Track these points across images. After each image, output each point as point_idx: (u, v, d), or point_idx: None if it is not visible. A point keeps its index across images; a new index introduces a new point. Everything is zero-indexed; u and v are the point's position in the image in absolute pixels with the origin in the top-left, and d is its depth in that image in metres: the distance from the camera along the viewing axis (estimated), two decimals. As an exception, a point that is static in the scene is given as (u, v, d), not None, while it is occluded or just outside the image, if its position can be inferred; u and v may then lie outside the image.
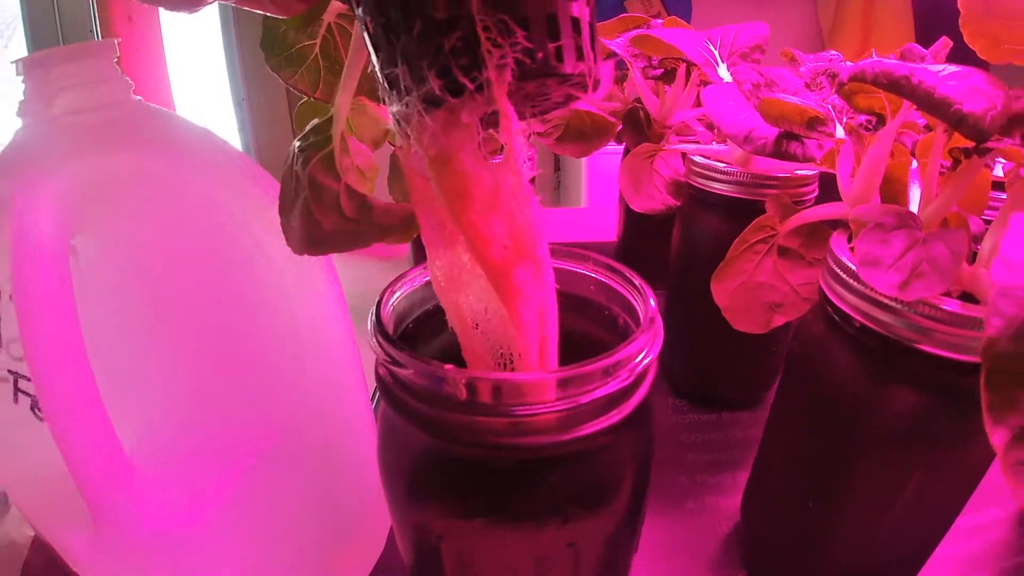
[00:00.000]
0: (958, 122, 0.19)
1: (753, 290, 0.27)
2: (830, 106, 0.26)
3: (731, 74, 0.32)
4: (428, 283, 0.21)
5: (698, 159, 0.32)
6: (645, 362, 0.18)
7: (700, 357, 0.37)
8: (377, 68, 0.15)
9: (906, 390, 0.22)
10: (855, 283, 0.22)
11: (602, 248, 0.68)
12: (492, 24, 0.13)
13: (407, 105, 0.14)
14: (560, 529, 0.18)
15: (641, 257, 0.54)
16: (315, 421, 0.25)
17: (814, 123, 0.25)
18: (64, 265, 0.21)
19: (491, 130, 0.16)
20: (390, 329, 0.19)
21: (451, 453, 0.18)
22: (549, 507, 0.18)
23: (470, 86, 0.13)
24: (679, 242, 0.35)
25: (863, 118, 0.23)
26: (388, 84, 0.15)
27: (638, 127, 0.38)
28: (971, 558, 0.32)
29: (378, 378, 0.19)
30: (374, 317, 0.19)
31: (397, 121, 0.15)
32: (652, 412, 0.21)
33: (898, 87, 0.19)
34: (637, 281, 0.20)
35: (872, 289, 0.21)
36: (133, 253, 0.23)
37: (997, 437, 0.15)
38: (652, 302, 0.19)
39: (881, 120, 0.23)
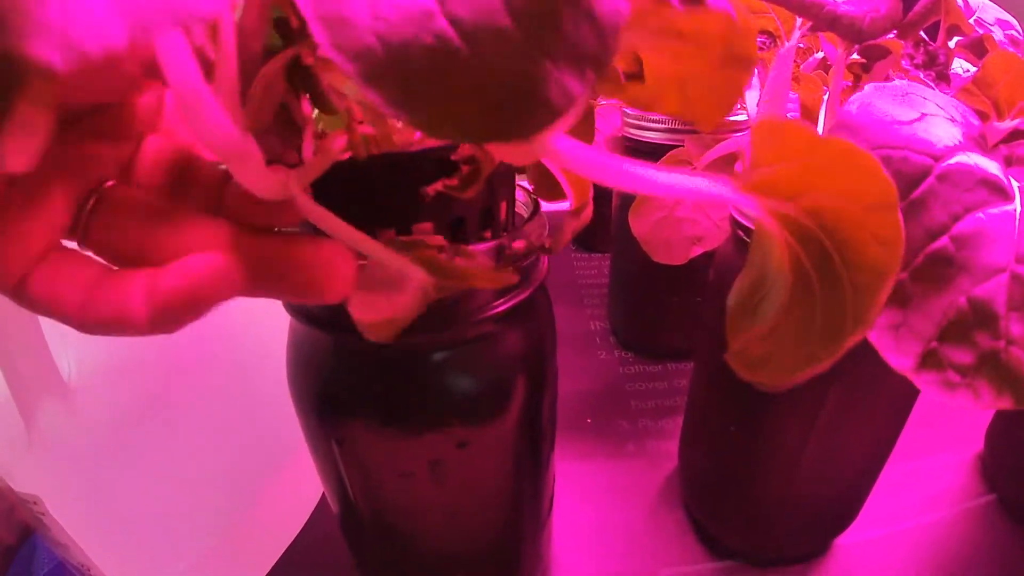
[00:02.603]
0: (832, 23, 0.20)
1: (673, 224, 0.27)
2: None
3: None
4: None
5: (630, 110, 0.33)
6: (526, 252, 0.18)
7: (642, 308, 0.37)
8: None
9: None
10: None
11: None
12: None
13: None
14: (448, 427, 0.19)
15: (598, 222, 0.55)
16: (246, 350, 0.26)
17: (719, 54, 0.25)
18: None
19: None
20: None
21: (343, 351, 0.19)
22: (432, 400, 0.19)
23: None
24: (617, 195, 0.35)
25: (758, 40, 0.24)
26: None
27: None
28: (930, 500, 0.31)
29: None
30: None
31: None
32: (546, 316, 0.21)
33: (766, -8, 0.20)
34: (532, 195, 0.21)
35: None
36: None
37: (901, 363, 0.13)
38: (537, 204, 0.20)
39: (775, 40, 0.23)
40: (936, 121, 0.14)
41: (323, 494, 0.31)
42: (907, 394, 0.24)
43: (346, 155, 0.14)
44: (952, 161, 0.13)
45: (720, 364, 0.26)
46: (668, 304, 0.35)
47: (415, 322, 0.17)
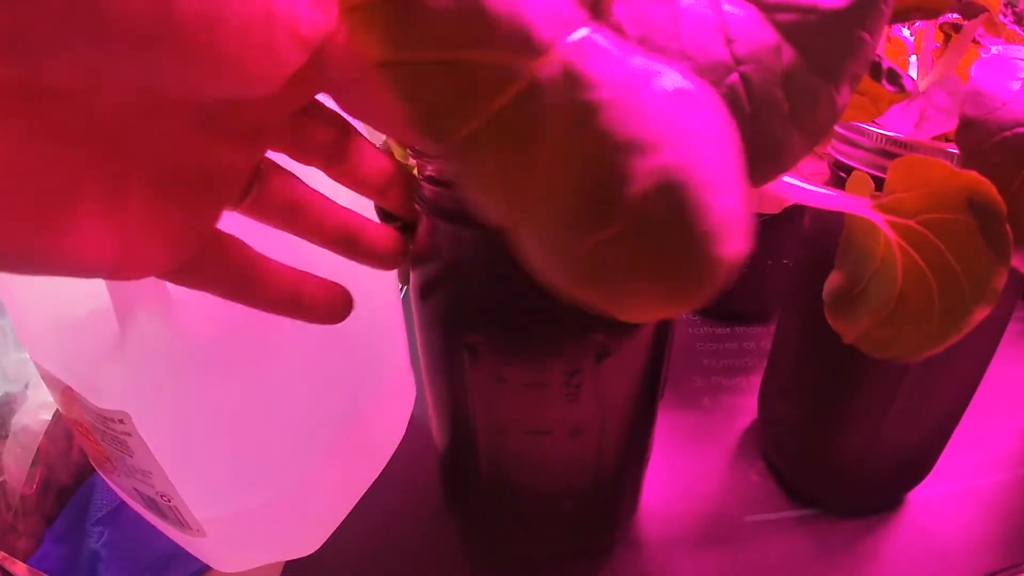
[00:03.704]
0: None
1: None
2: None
3: None
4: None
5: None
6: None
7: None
8: None
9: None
10: (864, 139, 0.23)
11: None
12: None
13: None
14: (592, 333, 0.19)
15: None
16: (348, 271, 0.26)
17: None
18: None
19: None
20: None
21: (488, 254, 0.19)
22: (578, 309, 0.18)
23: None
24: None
25: None
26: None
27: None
28: (993, 462, 0.32)
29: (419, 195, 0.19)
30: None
31: None
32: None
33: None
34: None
35: (883, 140, 0.23)
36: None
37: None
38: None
39: None
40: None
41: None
42: (989, 343, 0.25)
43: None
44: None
45: (812, 313, 0.27)
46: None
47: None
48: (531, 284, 0.18)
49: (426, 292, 0.20)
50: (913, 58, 0.27)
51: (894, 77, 0.17)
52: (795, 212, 0.33)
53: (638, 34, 0.10)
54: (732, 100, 0.10)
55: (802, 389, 0.28)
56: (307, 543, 0.26)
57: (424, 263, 0.20)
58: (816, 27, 0.11)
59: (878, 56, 0.16)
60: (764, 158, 0.11)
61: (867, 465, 0.27)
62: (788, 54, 0.11)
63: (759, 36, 0.11)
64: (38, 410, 0.30)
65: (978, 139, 0.17)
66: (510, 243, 0.17)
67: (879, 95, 0.18)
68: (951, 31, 0.25)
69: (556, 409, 0.20)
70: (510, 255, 0.18)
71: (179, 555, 0.26)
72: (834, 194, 0.18)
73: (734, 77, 0.10)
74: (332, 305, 0.19)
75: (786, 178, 0.17)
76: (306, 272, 0.18)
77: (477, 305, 0.19)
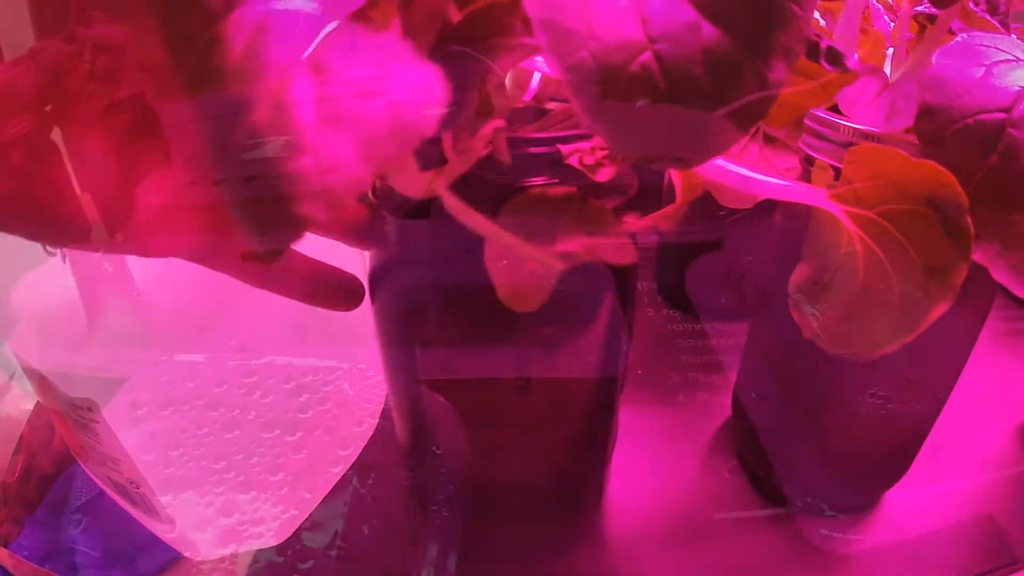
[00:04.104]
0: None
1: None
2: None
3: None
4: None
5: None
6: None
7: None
8: None
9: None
10: (833, 132, 0.23)
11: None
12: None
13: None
14: (536, 329, 0.19)
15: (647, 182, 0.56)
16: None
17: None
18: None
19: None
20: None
21: (435, 248, 0.19)
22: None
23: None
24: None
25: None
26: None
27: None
28: (975, 463, 0.31)
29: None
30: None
31: None
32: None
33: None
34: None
35: (852, 133, 0.22)
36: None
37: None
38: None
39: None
40: (1002, 69, 0.16)
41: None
42: (965, 341, 0.25)
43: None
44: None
45: (783, 309, 0.27)
46: (717, 265, 0.36)
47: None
48: (478, 278, 0.19)
49: (378, 286, 0.20)
50: (891, 51, 0.27)
51: (834, 56, 0.16)
52: (773, 207, 0.32)
53: (542, 16, 0.10)
54: (646, 79, 0.10)
55: (775, 387, 0.27)
56: (276, 533, 0.27)
57: (376, 258, 0.20)
58: (735, 1, 0.11)
59: (817, 35, 0.16)
60: (688, 138, 0.11)
61: (840, 465, 0.27)
62: (708, 31, 0.10)
63: (676, 14, 0.10)
64: (21, 400, 0.30)
65: (938, 127, 0.16)
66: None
67: (828, 79, 0.18)
68: (926, 22, 0.24)
69: (508, 402, 0.20)
70: (457, 249, 0.19)
71: (154, 543, 0.26)
72: (789, 184, 0.17)
73: (647, 55, 0.10)
74: (345, 293, 0.19)
75: (734, 167, 0.17)
76: (321, 261, 0.19)
77: (426, 299, 0.19)
